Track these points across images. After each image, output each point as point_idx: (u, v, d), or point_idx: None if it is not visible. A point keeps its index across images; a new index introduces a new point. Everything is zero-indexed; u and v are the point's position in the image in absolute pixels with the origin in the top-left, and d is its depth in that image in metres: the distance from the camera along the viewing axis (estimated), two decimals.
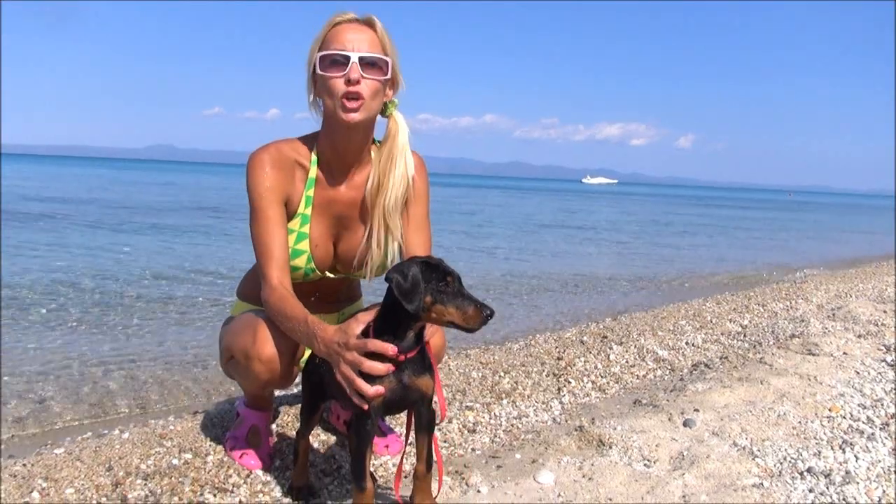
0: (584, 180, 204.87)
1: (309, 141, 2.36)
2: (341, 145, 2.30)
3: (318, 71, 2.19)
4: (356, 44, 2.17)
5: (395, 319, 1.83)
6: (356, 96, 2.16)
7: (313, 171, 2.33)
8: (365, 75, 2.17)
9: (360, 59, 2.16)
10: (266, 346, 2.20)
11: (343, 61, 2.15)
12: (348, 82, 2.15)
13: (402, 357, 1.83)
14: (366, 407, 1.83)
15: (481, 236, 15.75)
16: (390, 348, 1.80)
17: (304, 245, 2.34)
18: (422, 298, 1.77)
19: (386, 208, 2.33)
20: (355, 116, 2.19)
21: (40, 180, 36.45)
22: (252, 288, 2.48)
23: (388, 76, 2.24)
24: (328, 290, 2.55)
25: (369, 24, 2.22)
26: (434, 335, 2.31)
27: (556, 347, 4.46)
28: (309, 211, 2.34)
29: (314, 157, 2.34)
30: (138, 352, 4.83)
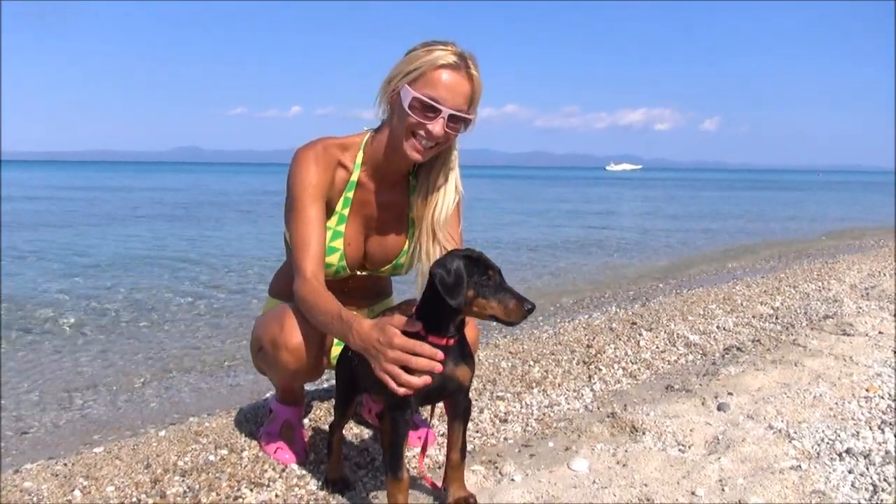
0: (607, 167, 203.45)
1: (357, 143, 2.37)
2: (394, 162, 2.34)
3: (403, 103, 2.17)
4: (452, 98, 2.15)
5: (437, 312, 1.83)
6: (431, 145, 2.21)
7: (356, 175, 2.35)
8: (448, 129, 2.19)
9: (450, 115, 2.16)
10: (293, 334, 2.22)
11: (433, 112, 2.15)
12: (428, 132, 2.17)
13: (444, 341, 1.84)
14: (411, 393, 1.81)
15: (503, 225, 15.71)
16: (439, 354, 1.80)
17: (339, 243, 2.37)
18: (465, 293, 1.77)
19: (436, 221, 2.35)
20: (419, 158, 2.24)
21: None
22: (284, 285, 2.50)
23: (468, 129, 2.26)
24: (356, 287, 2.57)
25: (469, 73, 2.18)
26: (467, 327, 2.32)
27: (586, 335, 4.44)
28: (346, 211, 2.37)
29: (359, 160, 2.35)
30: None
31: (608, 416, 2.86)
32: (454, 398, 1.99)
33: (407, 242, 2.48)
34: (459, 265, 1.78)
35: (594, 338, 4.33)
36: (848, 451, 2.38)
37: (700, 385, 3.27)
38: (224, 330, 5.60)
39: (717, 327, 4.62)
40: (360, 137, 2.38)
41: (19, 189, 31.17)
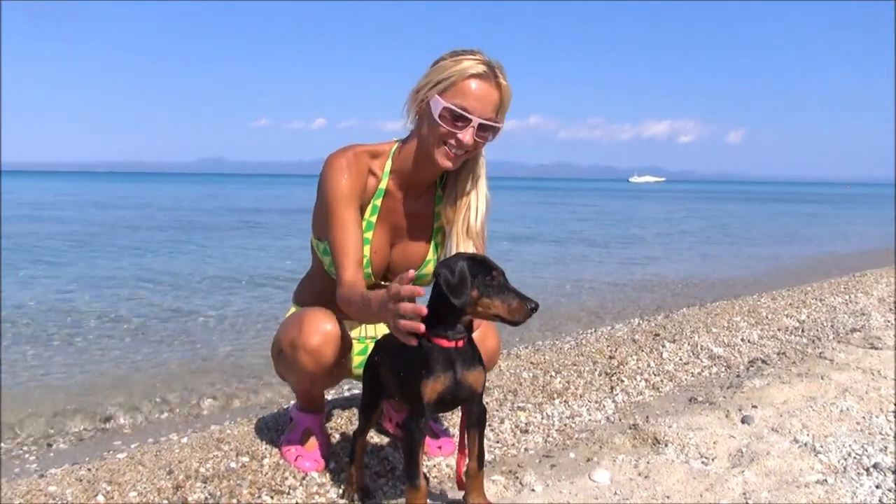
0: (631, 179, 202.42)
1: (386, 151, 2.39)
2: (423, 170, 2.35)
3: (433, 113, 2.19)
4: (482, 108, 2.18)
5: (443, 312, 1.85)
6: (461, 152, 2.23)
7: (384, 183, 2.37)
8: (477, 138, 2.22)
9: (480, 124, 2.19)
10: (312, 335, 2.24)
11: (463, 121, 2.18)
12: (458, 141, 2.19)
13: (454, 344, 1.86)
14: (421, 329, 1.75)
15: (523, 238, 15.68)
16: (418, 290, 1.75)
17: (366, 250, 2.37)
18: (468, 293, 1.80)
19: (471, 227, 2.36)
20: (450, 165, 2.26)
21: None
22: (308, 293, 2.52)
23: (495, 137, 2.29)
24: None
25: (497, 82, 2.21)
26: (488, 339, 2.33)
27: (608, 346, 4.40)
28: (374, 219, 2.39)
29: (387, 168, 2.37)
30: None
31: (630, 428, 2.83)
32: (468, 405, 1.99)
33: (431, 252, 2.49)
34: (463, 266, 1.82)
35: (616, 349, 4.30)
36: (875, 465, 2.34)
37: (724, 397, 3.23)
38: (247, 337, 5.64)
39: (742, 340, 4.57)
40: (388, 146, 2.40)
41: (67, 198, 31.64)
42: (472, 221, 2.37)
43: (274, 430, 2.91)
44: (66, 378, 4.52)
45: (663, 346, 4.35)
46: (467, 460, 2.05)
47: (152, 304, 7.04)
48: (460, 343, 1.88)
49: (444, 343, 1.87)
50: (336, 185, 2.27)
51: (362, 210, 2.35)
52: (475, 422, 2.00)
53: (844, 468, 2.36)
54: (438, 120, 2.18)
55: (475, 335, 2.19)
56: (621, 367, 3.90)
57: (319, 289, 2.49)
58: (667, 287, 8.65)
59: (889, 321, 4.92)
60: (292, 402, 2.86)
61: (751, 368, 3.84)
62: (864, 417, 2.85)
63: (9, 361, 4.86)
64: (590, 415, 3.16)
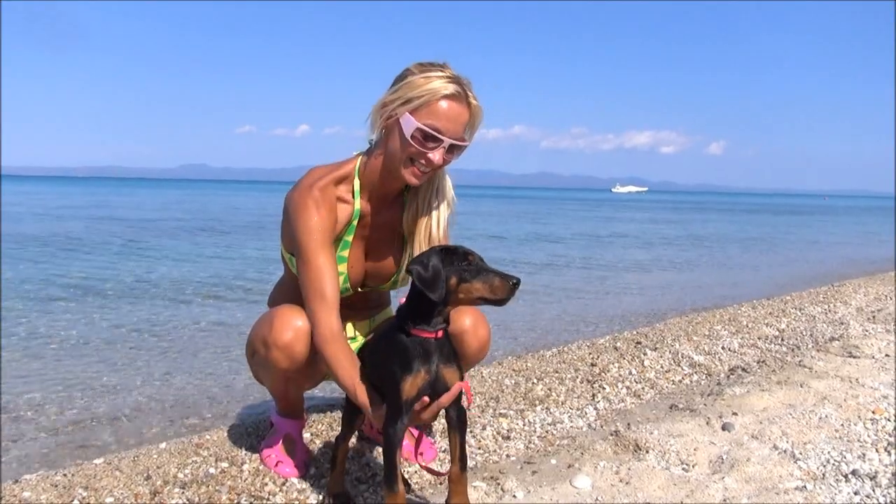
0: (613, 189, 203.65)
1: (350, 171, 2.35)
2: (391, 184, 2.34)
3: (405, 131, 2.17)
4: (453, 128, 2.18)
5: (422, 305, 1.86)
6: (428, 170, 2.23)
7: (357, 204, 2.34)
8: (445, 157, 2.22)
9: (450, 145, 2.19)
10: (282, 332, 2.23)
11: (434, 142, 2.17)
12: (428, 161, 2.19)
13: (433, 334, 1.87)
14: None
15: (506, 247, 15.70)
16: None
17: (343, 268, 2.37)
18: (444, 287, 1.80)
19: (433, 233, 2.37)
20: (417, 182, 2.26)
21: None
22: (281, 298, 2.50)
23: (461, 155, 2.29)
24: (358, 300, 2.57)
25: (468, 102, 2.20)
26: (479, 328, 2.37)
27: (590, 354, 4.41)
28: (350, 238, 2.37)
29: (356, 188, 2.34)
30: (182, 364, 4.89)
31: (611, 435, 2.84)
32: (447, 409, 1.97)
33: (403, 257, 2.48)
34: (435, 259, 1.83)
35: (598, 357, 4.31)
36: (854, 472, 2.36)
37: (704, 405, 3.25)
38: (227, 342, 5.58)
39: (723, 348, 4.60)
40: (351, 164, 2.36)
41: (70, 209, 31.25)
42: (434, 231, 2.38)
43: (254, 436, 2.89)
44: (42, 380, 4.45)
45: (645, 353, 4.36)
46: (450, 464, 2.04)
47: (129, 308, 6.97)
48: (440, 333, 1.89)
49: (424, 334, 1.87)
50: (307, 228, 2.20)
51: (339, 232, 2.33)
52: (455, 424, 1.99)
53: (823, 475, 2.38)
54: (410, 140, 2.17)
55: (467, 325, 2.19)
56: (603, 374, 3.90)
57: (292, 297, 2.44)
58: (648, 296, 8.69)
59: (867, 330, 4.98)
60: (272, 407, 2.84)
61: (731, 376, 3.86)
62: (842, 425, 2.87)
63: None
64: (571, 422, 3.16)
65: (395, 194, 2.42)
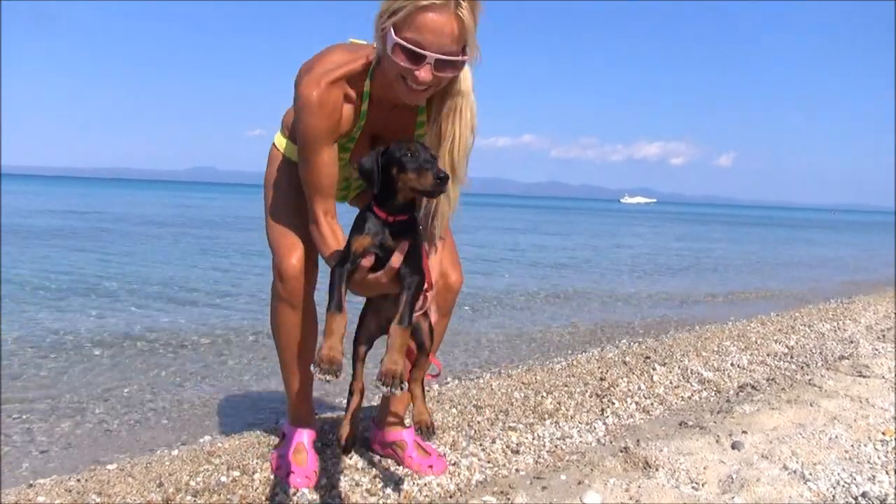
0: (622, 200, 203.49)
1: (361, 66, 2.21)
2: (395, 96, 2.20)
3: (387, 47, 2.03)
4: (437, 42, 1.98)
5: (383, 192, 2.03)
6: (423, 88, 2.08)
7: (365, 105, 2.26)
8: (437, 73, 2.04)
9: (437, 60, 2.01)
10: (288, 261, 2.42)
11: (418, 58, 2.00)
12: (416, 79, 2.04)
13: (391, 219, 2.02)
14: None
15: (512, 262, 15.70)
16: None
17: (345, 156, 2.37)
18: (379, 180, 1.99)
19: (455, 159, 2.27)
20: (417, 100, 2.18)
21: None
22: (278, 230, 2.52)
23: (462, 68, 2.14)
24: None
25: (457, 12, 1.97)
26: (451, 274, 2.51)
27: (599, 367, 4.42)
28: (358, 134, 2.33)
29: (367, 89, 2.23)
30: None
31: (621, 451, 2.85)
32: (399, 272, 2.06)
33: None
34: (374, 155, 2.00)
35: (607, 371, 4.31)
36: (864, 494, 2.36)
37: (714, 422, 3.25)
38: (238, 349, 5.61)
39: (732, 364, 4.59)
40: (366, 59, 2.21)
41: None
42: (456, 154, 2.27)
43: (266, 445, 2.90)
44: (57, 386, 4.49)
45: (654, 368, 4.36)
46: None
47: (140, 315, 7.00)
48: (392, 218, 2.03)
49: (381, 213, 2.02)
50: (308, 128, 2.17)
51: (345, 130, 2.27)
52: (406, 285, 2.05)
53: (833, 497, 2.38)
54: (392, 56, 2.02)
55: (442, 268, 2.36)
56: (612, 388, 3.91)
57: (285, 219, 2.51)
58: (658, 309, 8.68)
59: (877, 349, 4.96)
60: (284, 416, 2.86)
61: (740, 394, 3.86)
62: (852, 446, 2.87)
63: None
64: (581, 436, 3.17)
65: (404, 104, 2.27)
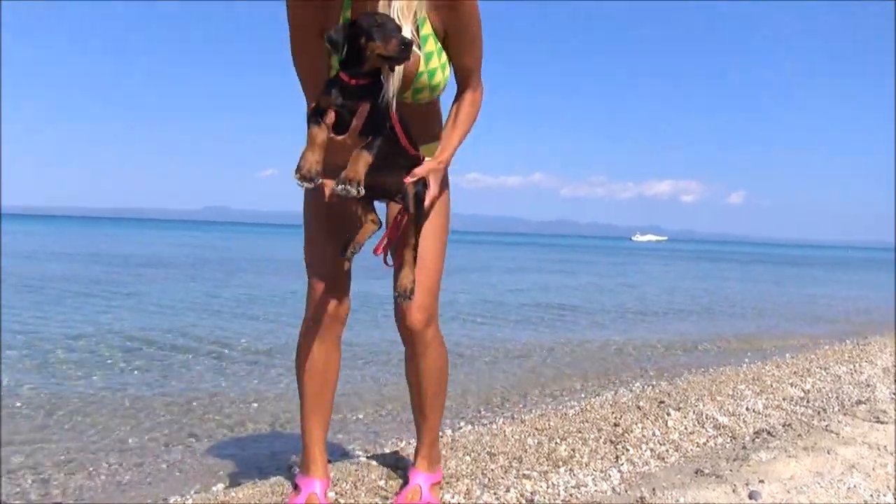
0: (633, 238, 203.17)
1: None
2: None
3: None
4: None
5: (349, 57, 2.09)
6: None
7: None
8: None
9: None
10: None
11: None
12: None
13: (348, 78, 2.09)
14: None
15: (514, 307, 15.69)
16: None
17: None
18: (344, 48, 2.05)
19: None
20: None
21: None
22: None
23: None
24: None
25: None
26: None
27: (613, 412, 4.39)
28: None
29: None
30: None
31: (637, 501, 2.82)
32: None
33: (422, 63, 2.25)
34: (341, 27, 2.07)
35: (621, 416, 4.29)
36: None
37: (730, 471, 3.22)
38: (250, 394, 5.62)
39: (747, 409, 4.55)
40: None
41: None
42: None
43: (279, 494, 2.89)
44: (66, 435, 4.50)
45: (668, 413, 4.33)
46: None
47: (149, 356, 7.03)
48: (355, 81, 2.09)
49: (344, 77, 2.10)
50: (293, 18, 2.24)
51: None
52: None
53: None
54: None
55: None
56: (626, 434, 3.88)
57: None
58: (669, 351, 8.63)
59: (894, 394, 4.91)
60: (296, 467, 2.86)
61: (756, 440, 3.83)
62: (871, 496, 2.84)
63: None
64: (595, 485, 3.14)
65: None
